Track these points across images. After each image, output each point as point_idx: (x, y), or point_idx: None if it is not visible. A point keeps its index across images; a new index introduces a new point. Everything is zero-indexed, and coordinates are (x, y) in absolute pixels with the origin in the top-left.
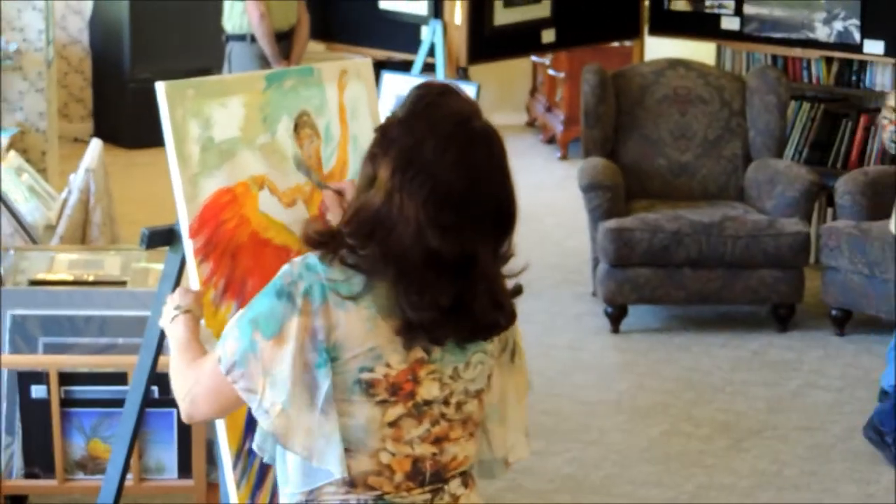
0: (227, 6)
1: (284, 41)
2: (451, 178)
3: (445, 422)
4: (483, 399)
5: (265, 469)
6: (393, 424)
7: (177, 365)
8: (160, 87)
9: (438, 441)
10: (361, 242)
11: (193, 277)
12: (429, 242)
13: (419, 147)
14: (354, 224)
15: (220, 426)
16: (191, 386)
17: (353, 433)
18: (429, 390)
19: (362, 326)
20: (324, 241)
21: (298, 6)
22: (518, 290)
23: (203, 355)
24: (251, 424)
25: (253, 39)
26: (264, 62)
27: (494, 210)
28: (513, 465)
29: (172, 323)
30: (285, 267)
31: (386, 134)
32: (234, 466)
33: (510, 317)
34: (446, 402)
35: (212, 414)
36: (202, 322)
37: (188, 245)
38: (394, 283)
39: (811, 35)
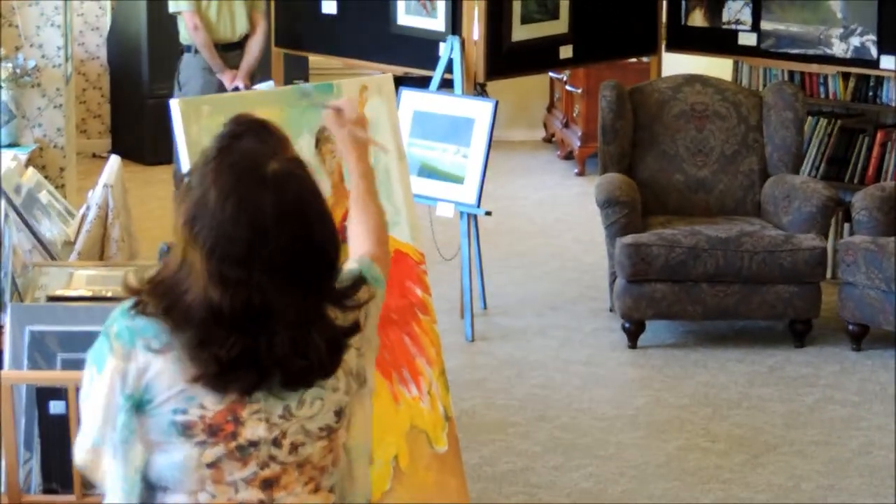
0: (177, 18)
1: (236, 51)
2: (233, 230)
3: (276, 464)
4: (334, 440)
5: None
6: (212, 465)
7: None
8: (174, 105)
9: (268, 486)
10: (156, 301)
11: None
12: (211, 298)
13: (204, 199)
14: (154, 283)
15: None
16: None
17: (170, 471)
18: (253, 431)
19: (172, 368)
20: (136, 290)
21: (253, 15)
22: (353, 329)
23: None
24: None
25: (197, 51)
26: (209, 72)
27: (291, 257)
28: None
29: None
30: (114, 309)
31: (185, 183)
32: None
33: (323, 361)
34: (277, 444)
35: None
36: None
37: None
38: (180, 337)
39: (828, 51)
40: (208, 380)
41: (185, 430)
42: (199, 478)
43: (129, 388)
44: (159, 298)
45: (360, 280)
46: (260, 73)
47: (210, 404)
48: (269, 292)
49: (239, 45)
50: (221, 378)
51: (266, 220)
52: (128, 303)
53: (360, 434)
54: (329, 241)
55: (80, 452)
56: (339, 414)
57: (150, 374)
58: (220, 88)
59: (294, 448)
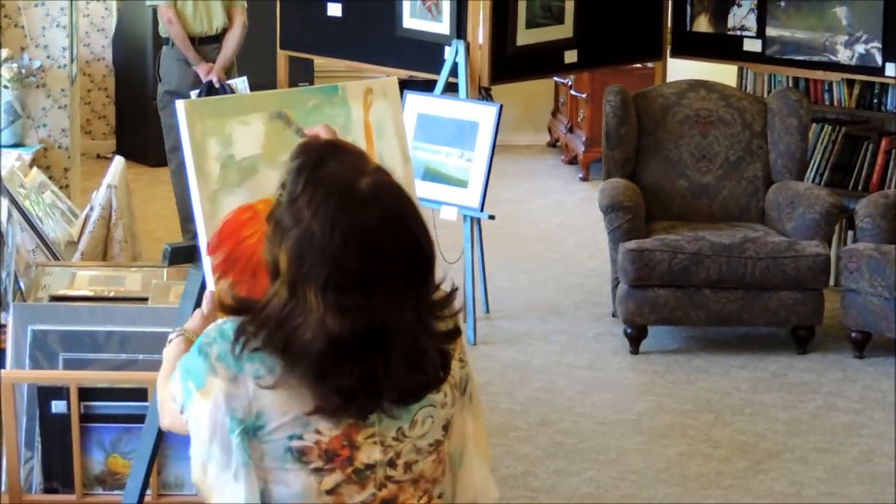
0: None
1: (213, 44)
2: (345, 258)
3: (393, 484)
4: (442, 452)
5: None
6: (332, 492)
7: (158, 379)
8: (180, 106)
9: None
10: (268, 337)
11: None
12: (329, 330)
13: (308, 234)
14: (261, 319)
15: None
16: (161, 404)
17: (291, 500)
18: (369, 455)
19: (285, 398)
20: (230, 311)
21: (231, 10)
22: (454, 334)
23: None
24: None
25: (174, 43)
26: (185, 64)
27: (404, 269)
28: None
29: (169, 344)
30: (209, 327)
31: (277, 224)
32: None
33: (437, 373)
34: (392, 465)
35: (177, 432)
36: None
37: (206, 262)
38: (296, 372)
39: (833, 57)
40: (328, 412)
41: (301, 455)
42: None
43: (239, 413)
44: (271, 335)
45: (454, 288)
46: (262, 73)
47: (326, 430)
48: (388, 312)
49: (216, 39)
50: (342, 408)
51: (375, 238)
52: (226, 325)
53: (456, 441)
54: (429, 241)
55: (194, 470)
56: (446, 428)
57: (262, 403)
58: (196, 80)
59: (409, 467)
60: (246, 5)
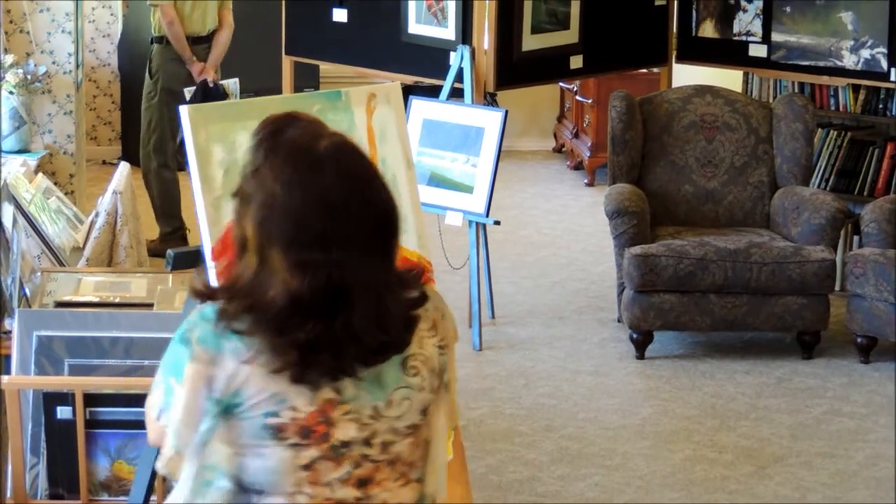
0: (151, 10)
1: (204, 44)
2: (305, 214)
3: (370, 463)
4: (420, 436)
5: None
6: (308, 467)
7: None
8: (184, 112)
9: (363, 484)
10: (238, 304)
11: None
12: (290, 286)
13: (270, 197)
14: (233, 289)
15: None
16: (147, 421)
17: (266, 475)
18: (345, 431)
19: (259, 371)
20: (205, 294)
21: (221, 10)
22: (420, 300)
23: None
24: None
25: (168, 42)
26: (179, 63)
27: (364, 227)
28: None
29: None
30: (190, 314)
31: (243, 196)
32: None
33: (402, 336)
34: (367, 443)
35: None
36: None
37: (211, 268)
38: (261, 332)
39: (838, 63)
40: (291, 369)
41: (278, 432)
42: (296, 480)
43: (217, 393)
44: (241, 301)
45: (417, 262)
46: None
47: (301, 406)
48: (347, 268)
49: (207, 40)
50: (303, 364)
51: (333, 194)
52: (206, 308)
53: (435, 429)
54: (391, 204)
55: (163, 459)
56: (424, 412)
57: (240, 379)
58: (189, 78)
59: (385, 447)
60: (230, 5)
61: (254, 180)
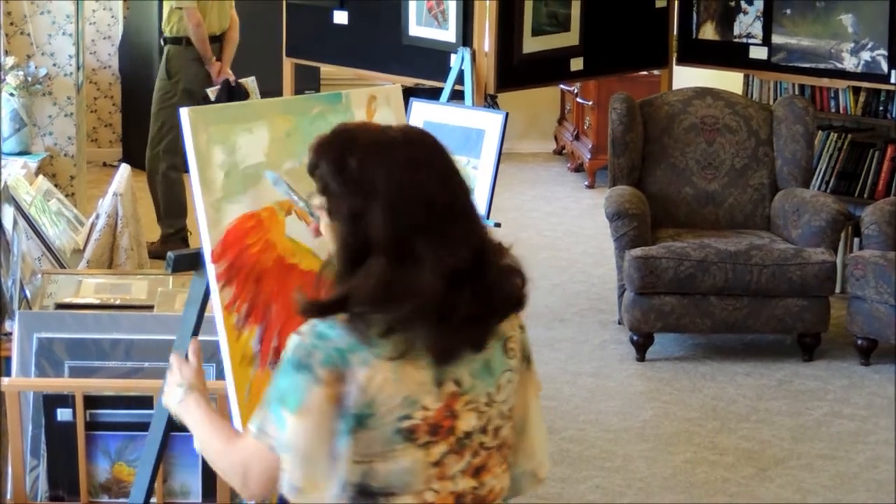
0: (165, 12)
1: (216, 43)
2: (432, 193)
3: (484, 451)
4: (514, 418)
5: None
6: (437, 463)
7: (212, 446)
8: (184, 113)
9: (478, 473)
10: (382, 309)
11: (216, 302)
12: (444, 266)
13: (394, 191)
14: (365, 300)
15: None
16: (238, 468)
17: (399, 477)
18: (468, 422)
19: (391, 377)
20: (325, 310)
21: (231, 10)
22: (518, 270)
23: (230, 430)
24: None
25: (188, 43)
26: (199, 63)
27: (466, 188)
28: (542, 482)
29: (182, 404)
30: (295, 339)
31: (348, 215)
32: None
33: (521, 293)
34: (484, 431)
35: (265, 491)
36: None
37: (210, 270)
38: (422, 321)
39: (839, 65)
40: (443, 352)
41: (410, 434)
42: (426, 477)
43: (351, 409)
44: (377, 305)
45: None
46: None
47: (431, 403)
48: (475, 232)
49: (219, 38)
50: (459, 343)
51: (437, 167)
52: (319, 327)
53: (530, 405)
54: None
55: (291, 490)
56: (516, 393)
57: (375, 387)
58: (207, 78)
59: (496, 432)
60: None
61: (361, 190)
